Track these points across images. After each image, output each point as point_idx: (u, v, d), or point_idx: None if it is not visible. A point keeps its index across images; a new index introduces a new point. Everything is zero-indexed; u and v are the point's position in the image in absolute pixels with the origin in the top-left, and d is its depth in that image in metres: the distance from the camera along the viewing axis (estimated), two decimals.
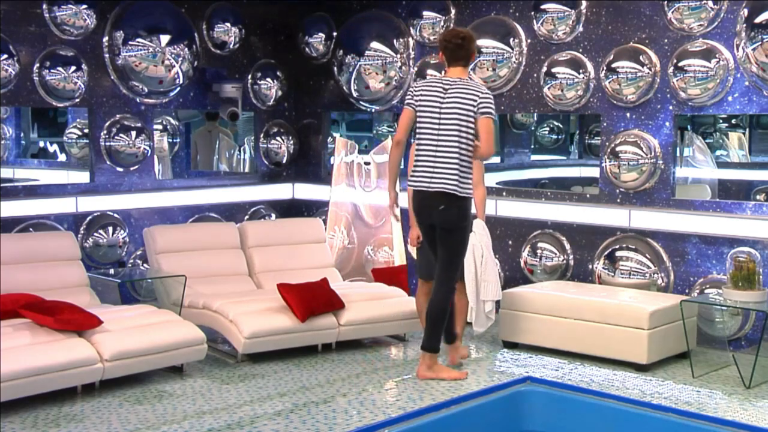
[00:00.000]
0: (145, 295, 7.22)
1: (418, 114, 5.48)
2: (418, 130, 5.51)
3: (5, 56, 6.66)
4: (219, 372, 5.80)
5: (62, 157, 8.99)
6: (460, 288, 6.18)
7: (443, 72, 5.72)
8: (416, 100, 5.48)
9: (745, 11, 6.04)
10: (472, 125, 5.35)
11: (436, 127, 5.40)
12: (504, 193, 7.52)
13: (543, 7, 7.12)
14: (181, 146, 9.48)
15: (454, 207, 5.36)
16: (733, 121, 8.68)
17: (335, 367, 5.94)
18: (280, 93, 8.66)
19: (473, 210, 5.72)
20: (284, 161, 8.78)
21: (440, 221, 5.39)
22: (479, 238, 5.97)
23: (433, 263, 6.00)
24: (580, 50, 7.01)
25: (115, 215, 7.47)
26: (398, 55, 7.93)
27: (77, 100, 7.24)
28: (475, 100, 5.34)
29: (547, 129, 10.00)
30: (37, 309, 5.41)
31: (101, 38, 7.31)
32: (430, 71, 7.79)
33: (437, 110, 5.41)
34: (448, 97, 5.40)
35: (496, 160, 9.13)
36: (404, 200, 7.25)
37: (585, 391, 5.34)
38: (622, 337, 5.88)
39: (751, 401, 5.17)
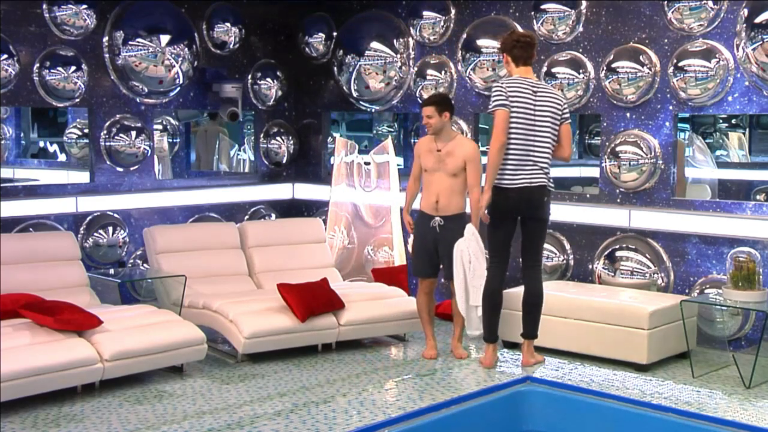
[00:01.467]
0: (145, 295, 7.22)
1: (511, 114, 5.64)
2: (510, 130, 5.66)
3: (5, 56, 6.66)
4: (219, 372, 5.80)
5: (62, 157, 8.99)
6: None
7: (506, 74, 5.97)
8: (510, 101, 5.65)
9: (745, 11, 6.03)
10: (558, 128, 5.78)
11: (531, 127, 5.70)
12: None
13: (543, 7, 7.12)
14: (181, 146, 9.48)
15: (549, 200, 5.84)
16: (733, 121, 8.68)
17: (335, 367, 5.94)
18: (280, 93, 8.66)
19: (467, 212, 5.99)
20: (284, 161, 8.78)
21: (541, 213, 5.81)
22: (467, 244, 5.88)
23: (431, 261, 6.11)
24: (580, 50, 7.01)
25: (115, 215, 7.46)
26: (398, 55, 7.93)
27: (77, 100, 7.24)
28: (561, 106, 5.80)
29: None
30: (37, 309, 5.41)
31: (101, 38, 7.31)
32: (430, 71, 7.79)
33: (531, 111, 5.69)
34: (540, 100, 5.72)
35: None
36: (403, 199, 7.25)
37: (585, 391, 5.34)
38: (622, 337, 5.88)
39: (751, 401, 5.17)
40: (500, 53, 6.03)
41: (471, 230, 5.90)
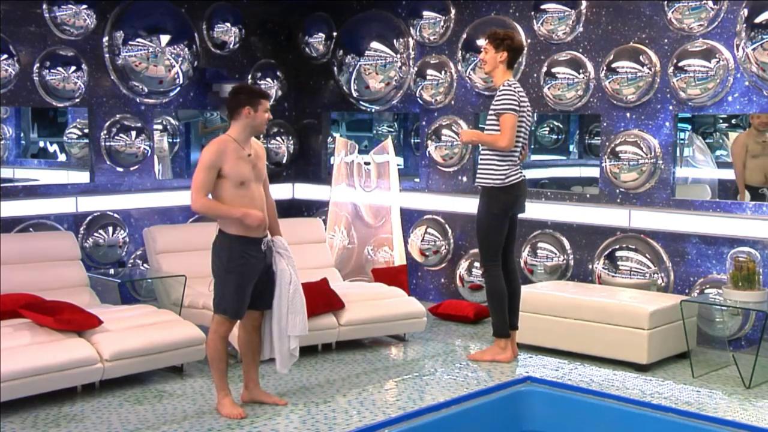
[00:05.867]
0: (145, 295, 7.22)
1: (518, 119, 5.72)
2: (518, 133, 5.74)
3: (5, 56, 6.66)
4: None
5: (62, 157, 8.98)
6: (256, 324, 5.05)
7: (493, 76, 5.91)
8: (520, 107, 5.71)
9: (745, 11, 6.04)
10: None
11: (525, 130, 5.84)
12: None
13: (543, 7, 7.12)
14: (181, 146, 9.47)
15: None
16: (733, 121, 8.67)
17: (335, 367, 5.94)
18: (280, 93, 8.66)
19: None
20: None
21: (523, 208, 5.99)
22: (287, 261, 4.89)
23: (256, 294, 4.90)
24: (580, 50, 7.01)
25: (115, 215, 7.46)
26: (398, 55, 7.93)
27: (77, 100, 7.24)
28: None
29: (547, 129, 10.00)
30: (37, 309, 5.41)
31: (101, 38, 7.31)
32: (430, 72, 7.80)
33: (528, 117, 5.82)
34: (523, 103, 5.78)
35: None
36: (407, 200, 7.25)
37: (585, 391, 5.34)
38: (622, 337, 5.88)
39: (751, 401, 5.17)
40: (499, 49, 5.73)
41: (285, 243, 4.93)
